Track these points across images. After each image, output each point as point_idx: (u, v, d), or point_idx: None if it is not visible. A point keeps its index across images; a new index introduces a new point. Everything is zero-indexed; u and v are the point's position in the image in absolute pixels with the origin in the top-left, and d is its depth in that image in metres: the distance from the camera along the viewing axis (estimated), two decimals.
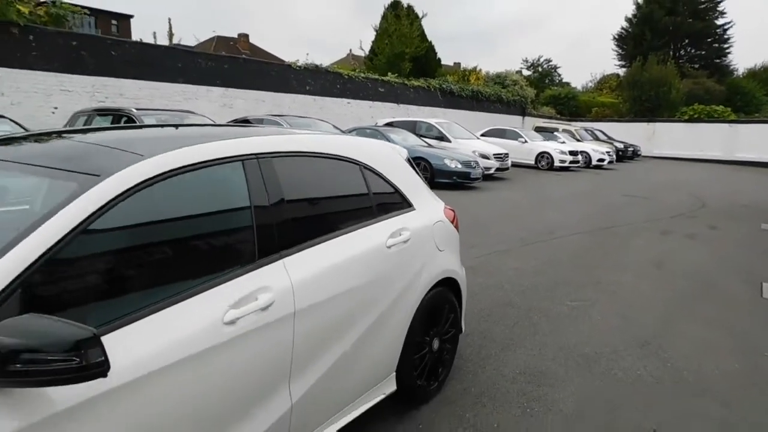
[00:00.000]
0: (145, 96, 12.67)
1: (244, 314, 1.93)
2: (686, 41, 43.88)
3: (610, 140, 26.99)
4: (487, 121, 23.40)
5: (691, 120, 29.73)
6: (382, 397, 2.85)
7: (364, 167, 2.88)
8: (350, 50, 54.16)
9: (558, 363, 3.85)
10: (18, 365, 1.30)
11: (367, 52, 28.06)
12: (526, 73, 46.05)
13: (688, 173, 21.57)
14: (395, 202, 3.02)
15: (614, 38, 46.26)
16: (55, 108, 11.16)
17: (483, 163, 14.26)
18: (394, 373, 2.91)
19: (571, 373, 3.71)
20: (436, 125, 15.98)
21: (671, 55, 41.98)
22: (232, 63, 15.40)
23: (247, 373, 1.97)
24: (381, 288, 2.67)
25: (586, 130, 26.53)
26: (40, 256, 1.50)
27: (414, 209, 3.11)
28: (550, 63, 50.80)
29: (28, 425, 1.37)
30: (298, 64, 17.04)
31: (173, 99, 13.14)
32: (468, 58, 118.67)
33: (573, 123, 28.95)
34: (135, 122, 9.21)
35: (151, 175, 1.83)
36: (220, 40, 47.40)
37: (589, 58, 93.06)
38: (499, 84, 29.13)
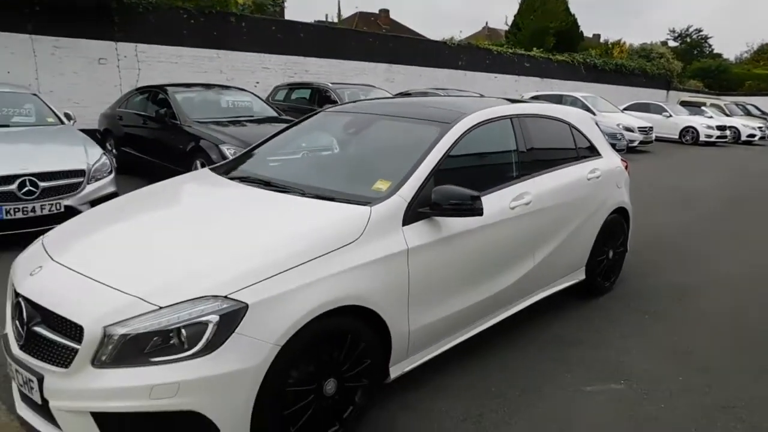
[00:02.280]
0: (324, 72, 14.76)
1: (518, 204, 3.43)
2: None
3: (764, 115, 25.56)
4: (630, 95, 23.34)
5: None
6: (576, 281, 4.27)
7: (571, 126, 4.27)
8: (486, 23, 54.42)
9: (700, 280, 5.05)
10: (447, 206, 2.85)
11: (509, 26, 28.65)
12: (672, 44, 43.78)
13: None
14: (590, 152, 4.38)
15: None
16: (257, 82, 13.51)
17: (627, 135, 14.85)
18: (584, 267, 4.30)
19: (710, 287, 4.89)
20: (582, 99, 16.68)
21: None
22: (395, 41, 17.20)
23: (519, 238, 3.49)
24: (582, 205, 4.08)
25: (736, 104, 25.34)
26: (435, 164, 3.05)
27: (602, 157, 4.46)
28: (701, 33, 47.57)
29: (448, 235, 2.95)
30: (453, 41, 18.46)
31: (347, 74, 15.13)
32: (608, 29, 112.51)
33: (723, 97, 27.66)
34: (331, 95, 11.16)
35: (473, 124, 3.36)
36: (362, 16, 49.80)
37: (746, 27, 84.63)
38: (644, 57, 28.52)
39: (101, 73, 11.23)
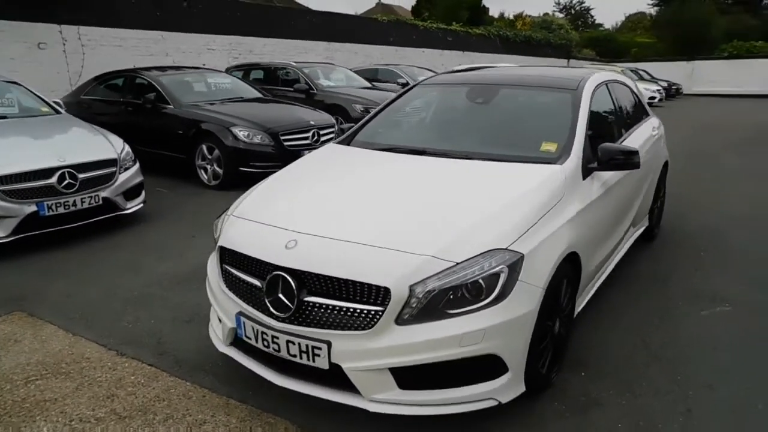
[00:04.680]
0: (269, 51, 14.41)
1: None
2: None
3: (654, 80, 28.12)
4: (539, 65, 24.73)
5: (731, 57, 30.66)
6: (644, 227, 4.75)
7: (631, 89, 4.73)
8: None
9: (714, 219, 5.76)
10: (613, 162, 3.16)
11: (416, 2, 29.19)
12: (558, 16, 46.55)
13: (737, 108, 22.88)
14: (645, 113, 4.89)
15: None
16: (204, 64, 12.94)
17: None
18: (647, 215, 4.81)
19: (726, 224, 5.63)
20: None
21: None
22: (332, 19, 17.08)
23: (632, 189, 3.90)
24: (654, 159, 4.57)
25: (630, 70, 27.61)
26: (586, 125, 3.33)
27: (651, 117, 4.97)
28: (583, 4, 50.98)
29: (605, 189, 3.26)
30: (383, 17, 18.62)
31: (290, 53, 14.86)
32: (497, 2, 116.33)
33: (616, 64, 30.03)
34: (296, 74, 11.01)
35: (593, 89, 3.68)
36: None
37: None
38: (545, 29, 30.31)
39: (42, 58, 10.32)
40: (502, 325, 2.31)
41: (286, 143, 7.04)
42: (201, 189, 7.15)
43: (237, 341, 2.75)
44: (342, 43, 16.88)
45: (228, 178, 6.99)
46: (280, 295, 2.42)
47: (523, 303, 2.39)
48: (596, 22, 50.60)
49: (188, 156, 7.30)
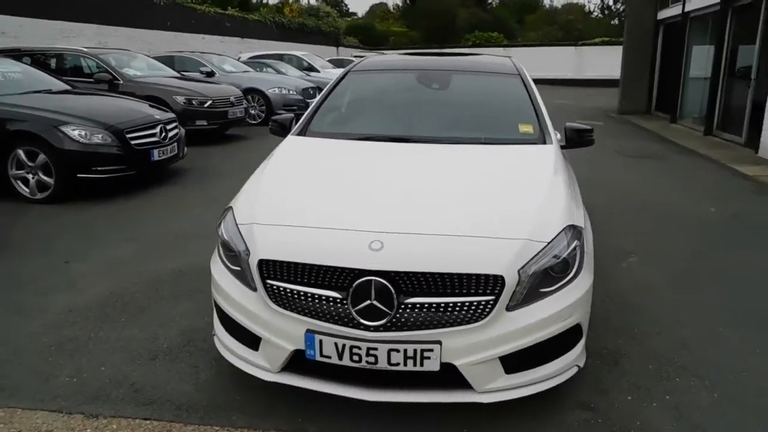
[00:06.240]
0: (27, 34, 11.95)
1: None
2: None
3: None
4: (314, 52, 25.11)
5: (474, 45, 35.02)
6: None
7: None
8: None
9: None
10: (578, 140, 3.46)
11: None
12: (312, 3, 47.77)
13: None
14: None
15: None
16: None
17: None
18: None
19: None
20: (302, 57, 17.52)
21: None
22: None
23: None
24: None
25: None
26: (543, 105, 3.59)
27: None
28: None
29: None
30: (161, 1, 16.85)
31: (54, 37, 12.54)
32: None
33: (384, 52, 32.02)
34: (76, 60, 9.46)
35: (524, 70, 3.95)
36: None
37: None
38: (314, 16, 30.80)
39: None
40: (584, 296, 2.43)
41: (132, 142, 6.08)
42: (24, 204, 5.79)
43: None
44: (115, 26, 14.92)
45: (61, 187, 5.80)
46: (375, 302, 2.17)
47: (590, 272, 2.54)
48: (350, 10, 53.11)
49: None
